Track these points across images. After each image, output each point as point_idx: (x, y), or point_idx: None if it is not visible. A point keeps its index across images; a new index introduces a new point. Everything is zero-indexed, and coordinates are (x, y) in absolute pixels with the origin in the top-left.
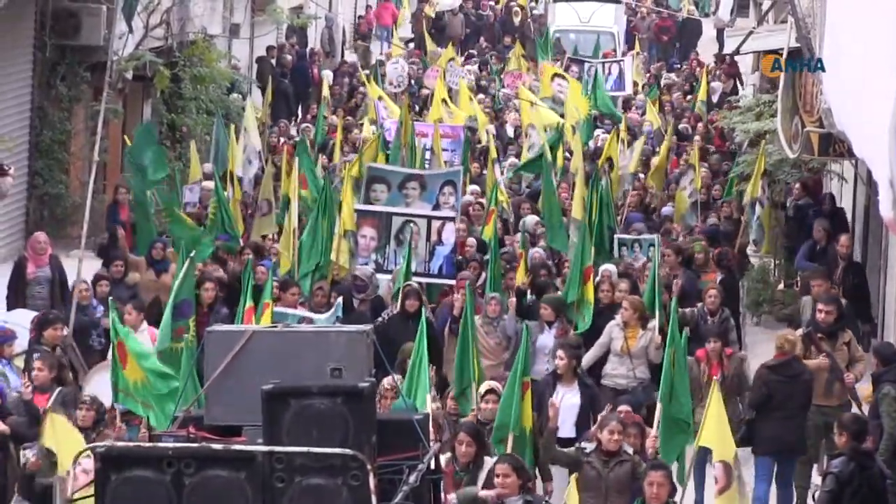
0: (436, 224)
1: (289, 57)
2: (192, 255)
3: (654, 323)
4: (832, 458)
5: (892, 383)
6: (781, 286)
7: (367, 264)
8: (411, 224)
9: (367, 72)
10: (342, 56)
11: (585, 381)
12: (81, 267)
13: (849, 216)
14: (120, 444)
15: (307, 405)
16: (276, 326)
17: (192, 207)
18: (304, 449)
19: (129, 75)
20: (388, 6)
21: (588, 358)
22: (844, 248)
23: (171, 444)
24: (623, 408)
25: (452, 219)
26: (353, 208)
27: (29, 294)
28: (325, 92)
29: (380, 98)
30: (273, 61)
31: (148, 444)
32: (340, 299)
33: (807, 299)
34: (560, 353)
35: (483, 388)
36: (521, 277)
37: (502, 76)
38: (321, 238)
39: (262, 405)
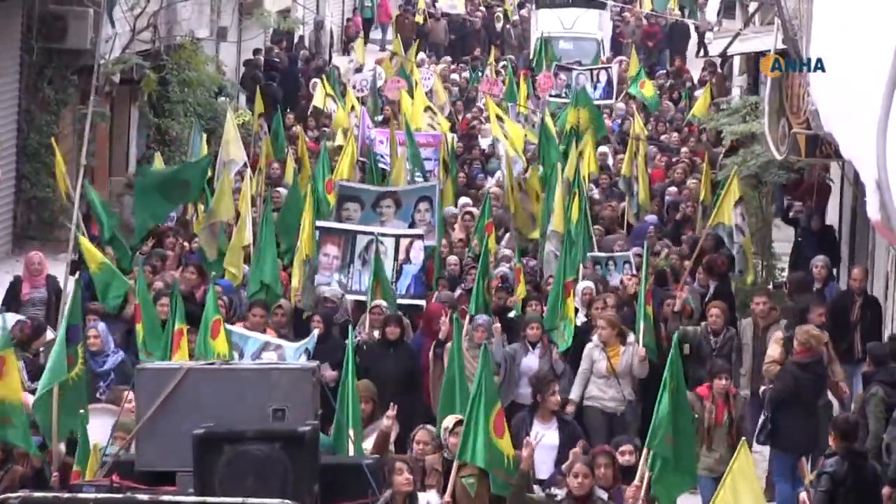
0: (404, 242)
1: (263, 59)
2: (76, 277)
3: (633, 337)
4: (826, 458)
5: (881, 384)
6: (770, 287)
7: (329, 284)
8: (377, 243)
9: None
10: (330, 59)
11: (564, 417)
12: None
13: (835, 217)
14: (37, 494)
15: (242, 451)
16: (213, 363)
17: (172, 222)
18: (239, 500)
19: (117, 79)
20: (385, 3)
21: (576, 393)
22: (858, 282)
23: (92, 495)
24: (625, 447)
25: (421, 236)
26: (311, 231)
27: (23, 315)
28: (318, 101)
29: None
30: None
31: (66, 495)
32: (315, 332)
33: (747, 322)
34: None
35: (450, 421)
36: (521, 293)
37: (476, 85)
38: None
39: (192, 451)
